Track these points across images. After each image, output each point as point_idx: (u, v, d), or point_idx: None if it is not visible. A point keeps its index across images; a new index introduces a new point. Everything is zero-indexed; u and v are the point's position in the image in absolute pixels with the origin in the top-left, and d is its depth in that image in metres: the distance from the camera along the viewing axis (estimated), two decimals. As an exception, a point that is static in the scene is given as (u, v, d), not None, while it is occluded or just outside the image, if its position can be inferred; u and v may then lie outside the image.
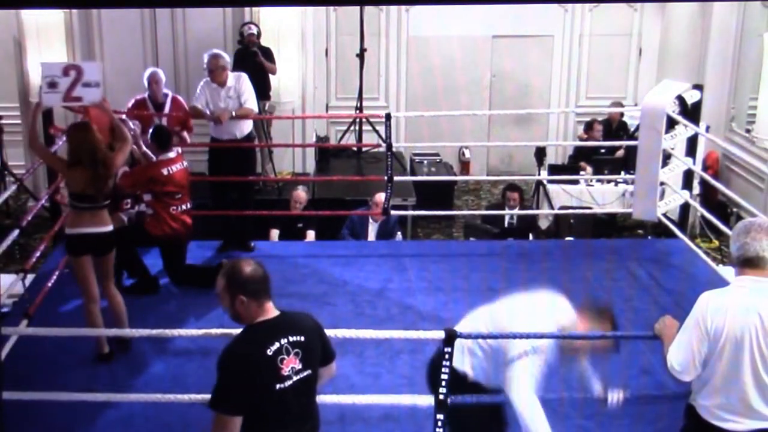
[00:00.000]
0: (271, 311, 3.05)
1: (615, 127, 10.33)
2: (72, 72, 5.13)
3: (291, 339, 2.99)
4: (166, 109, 6.86)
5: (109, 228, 5.06)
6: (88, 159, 4.91)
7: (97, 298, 5.04)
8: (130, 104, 6.89)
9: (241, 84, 6.58)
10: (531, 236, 8.01)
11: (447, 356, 3.77)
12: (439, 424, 3.95)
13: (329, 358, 3.22)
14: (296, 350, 2.99)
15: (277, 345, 2.96)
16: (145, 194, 6.13)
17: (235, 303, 3.02)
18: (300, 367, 3.00)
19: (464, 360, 3.69)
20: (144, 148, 6.16)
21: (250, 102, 6.61)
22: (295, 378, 2.99)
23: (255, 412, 2.95)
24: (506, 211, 8.21)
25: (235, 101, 6.57)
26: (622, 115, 10.36)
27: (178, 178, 5.88)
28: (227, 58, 6.67)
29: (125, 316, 5.16)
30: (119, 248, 5.29)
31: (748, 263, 3.21)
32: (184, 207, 5.95)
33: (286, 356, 2.96)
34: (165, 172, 5.81)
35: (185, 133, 6.90)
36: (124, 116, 6.53)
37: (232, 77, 6.58)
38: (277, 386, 2.95)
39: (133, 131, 6.29)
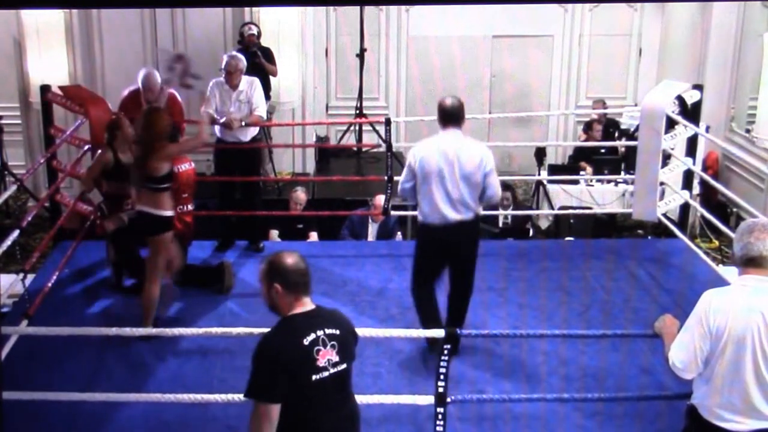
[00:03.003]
0: (308, 304, 3.09)
1: (605, 125, 10.29)
2: (181, 63, 5.62)
3: (327, 331, 3.04)
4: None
5: None
6: (170, 139, 5.19)
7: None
8: (123, 95, 6.61)
9: (253, 90, 6.59)
10: (530, 231, 7.95)
11: (446, 353, 3.77)
12: (440, 417, 3.96)
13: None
14: (333, 342, 3.03)
15: (313, 336, 2.99)
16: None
17: (270, 291, 3.06)
18: (337, 359, 3.04)
19: None
20: None
21: (260, 110, 6.63)
22: (332, 370, 3.02)
23: (292, 402, 2.98)
24: (501, 212, 8.23)
25: (245, 105, 6.57)
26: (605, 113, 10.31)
27: (186, 177, 5.87)
28: (245, 62, 6.68)
29: None
30: (119, 248, 5.29)
31: (750, 263, 3.21)
32: (187, 207, 5.94)
33: (322, 348, 3.00)
34: (174, 169, 5.80)
35: None
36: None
37: (245, 81, 6.59)
38: (314, 377, 2.98)
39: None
